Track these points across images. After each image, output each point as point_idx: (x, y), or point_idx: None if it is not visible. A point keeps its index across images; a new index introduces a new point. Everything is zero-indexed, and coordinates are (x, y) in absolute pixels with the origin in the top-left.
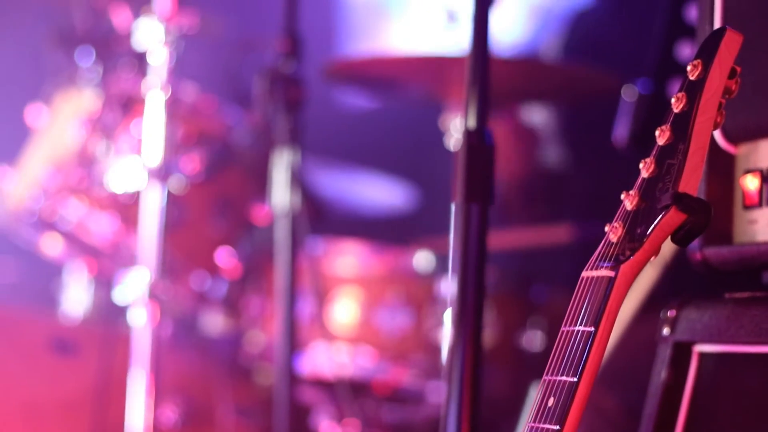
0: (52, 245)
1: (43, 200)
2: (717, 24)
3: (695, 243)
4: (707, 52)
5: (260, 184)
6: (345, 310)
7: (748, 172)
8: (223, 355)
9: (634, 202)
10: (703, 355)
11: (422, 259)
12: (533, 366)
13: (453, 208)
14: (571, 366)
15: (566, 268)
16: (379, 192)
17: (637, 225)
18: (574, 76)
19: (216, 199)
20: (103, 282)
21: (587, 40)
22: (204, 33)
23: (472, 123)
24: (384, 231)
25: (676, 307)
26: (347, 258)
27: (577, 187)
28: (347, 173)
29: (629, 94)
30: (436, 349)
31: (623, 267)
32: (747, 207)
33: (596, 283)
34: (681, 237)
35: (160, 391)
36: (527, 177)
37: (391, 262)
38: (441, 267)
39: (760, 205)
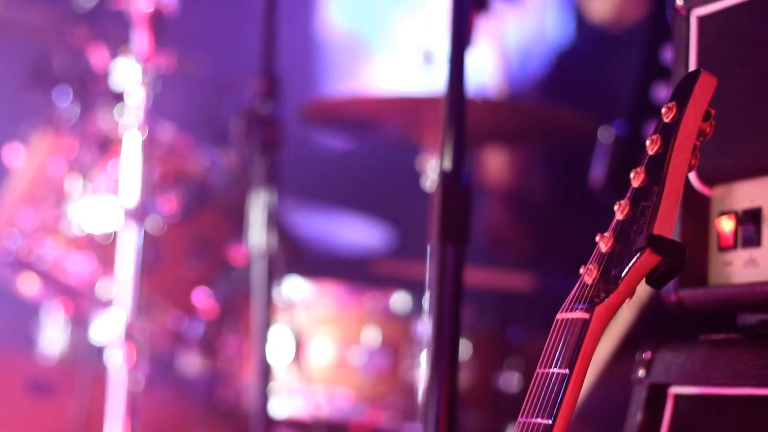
0: (28, 285)
1: (20, 240)
2: (692, 66)
3: (670, 284)
4: (682, 95)
5: (237, 225)
6: (321, 351)
7: (723, 214)
8: (199, 395)
9: (609, 244)
10: (678, 397)
11: (398, 300)
12: (510, 407)
13: (429, 249)
14: (546, 408)
15: (542, 309)
16: (356, 232)
17: (611, 267)
18: (550, 118)
19: (193, 240)
20: (80, 322)
21: (564, 81)
22: (181, 73)
23: (447, 164)
24: (360, 271)
25: (651, 349)
26: (324, 299)
27: (554, 228)
28: (324, 214)
29: (605, 135)
30: (412, 390)
31: (598, 309)
32: (722, 249)
33: (571, 325)
34: (656, 279)
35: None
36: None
37: (367, 303)
38: (417, 308)
39: (734, 247)
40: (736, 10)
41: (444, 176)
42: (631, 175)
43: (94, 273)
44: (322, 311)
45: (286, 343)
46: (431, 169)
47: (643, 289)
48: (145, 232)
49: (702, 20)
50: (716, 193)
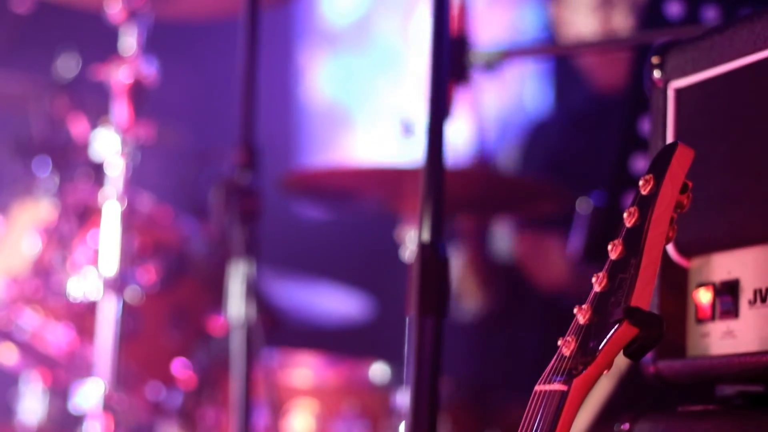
0: (7, 355)
1: None
2: (669, 139)
3: (648, 356)
4: (659, 167)
5: (216, 295)
6: (301, 422)
7: (700, 285)
8: None
9: (587, 316)
10: None
11: (378, 371)
12: None
13: (408, 320)
14: None
15: (524, 378)
16: (335, 303)
17: (589, 339)
18: (529, 189)
19: (172, 310)
20: (59, 392)
21: (543, 152)
22: (161, 144)
23: (426, 236)
24: (339, 342)
25: (630, 420)
26: (303, 370)
27: (532, 296)
28: (303, 284)
29: (584, 207)
30: None
31: (576, 381)
32: (700, 320)
33: (549, 397)
34: (634, 351)
35: None
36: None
37: (346, 374)
38: (396, 379)
39: (712, 318)
40: (713, 83)
41: (422, 248)
42: (609, 247)
43: (73, 343)
44: (301, 382)
45: (266, 415)
46: (410, 240)
47: (621, 360)
48: (124, 303)
49: (679, 92)
50: (694, 264)
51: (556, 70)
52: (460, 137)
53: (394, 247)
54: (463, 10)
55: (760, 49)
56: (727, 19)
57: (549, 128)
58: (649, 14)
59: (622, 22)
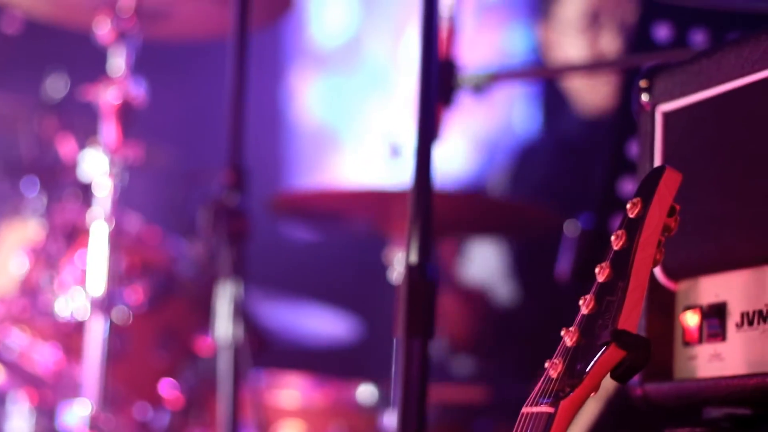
0: None
1: None
2: (657, 162)
3: (636, 378)
4: (647, 190)
5: (204, 316)
6: None
7: (688, 308)
8: None
9: (574, 339)
10: None
11: (365, 392)
12: None
13: (395, 342)
14: None
15: (509, 401)
16: (323, 324)
17: (576, 361)
18: (517, 211)
19: (159, 330)
20: (46, 412)
21: (531, 174)
22: (149, 164)
23: (414, 258)
24: (327, 364)
25: None
26: (290, 391)
27: (520, 322)
28: (291, 305)
29: (572, 229)
30: None
31: (563, 403)
32: (687, 343)
33: (536, 420)
34: (620, 373)
35: None
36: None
37: (334, 395)
38: (384, 400)
39: (700, 341)
40: (701, 106)
41: (410, 270)
42: (596, 270)
43: (60, 363)
44: (289, 403)
45: None
46: (398, 262)
47: (609, 383)
48: (112, 323)
49: (667, 116)
50: (681, 287)
51: (544, 92)
52: (449, 159)
53: (382, 268)
54: (451, 32)
55: (748, 73)
56: (715, 43)
57: (537, 151)
58: (638, 37)
59: (610, 44)
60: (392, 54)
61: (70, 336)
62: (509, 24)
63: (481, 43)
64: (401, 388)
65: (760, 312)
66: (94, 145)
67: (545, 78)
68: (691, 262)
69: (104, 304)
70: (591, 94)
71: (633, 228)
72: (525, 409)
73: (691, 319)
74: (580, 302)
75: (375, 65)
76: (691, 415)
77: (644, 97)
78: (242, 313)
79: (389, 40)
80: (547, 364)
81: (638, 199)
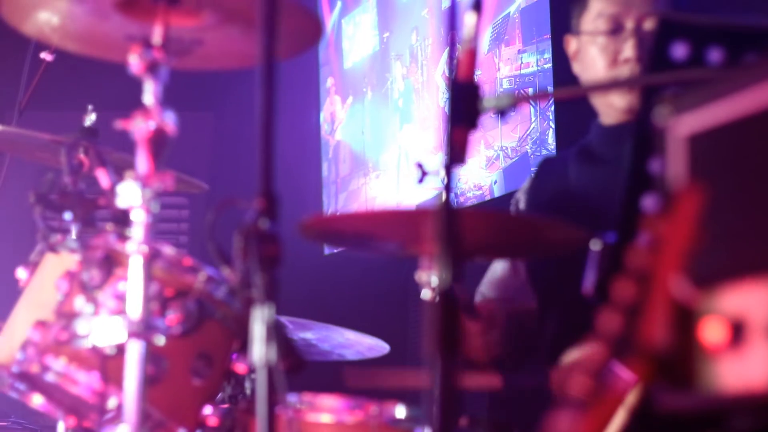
0: (33, 401)
1: (29, 356)
2: (679, 181)
3: (657, 390)
4: (669, 206)
5: (239, 340)
6: None
7: (709, 320)
8: None
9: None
10: None
11: (398, 412)
12: None
13: (425, 361)
14: None
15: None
16: (355, 345)
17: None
18: (544, 228)
19: (195, 355)
20: None
21: (554, 191)
22: (181, 192)
23: (443, 278)
24: (360, 384)
25: None
26: (324, 414)
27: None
28: (323, 327)
29: (596, 245)
30: None
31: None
32: (708, 355)
33: None
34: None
35: None
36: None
37: (368, 416)
38: (418, 420)
39: (722, 353)
40: (724, 127)
41: (440, 290)
42: (619, 285)
43: (99, 389)
44: (324, 424)
45: None
46: (428, 282)
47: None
48: (148, 348)
49: (688, 136)
50: (703, 299)
51: (566, 109)
52: (476, 178)
53: (415, 288)
54: (473, 56)
55: None
56: (732, 61)
57: (560, 167)
58: (655, 56)
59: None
60: (419, 78)
61: (108, 362)
62: (528, 46)
63: (502, 66)
64: (434, 408)
65: None
66: (129, 175)
67: (566, 98)
68: (713, 273)
69: (141, 330)
70: (611, 109)
71: (655, 243)
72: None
73: (713, 331)
74: (603, 318)
75: (402, 88)
76: (712, 427)
77: (666, 118)
78: (276, 336)
79: (416, 64)
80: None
81: (660, 215)
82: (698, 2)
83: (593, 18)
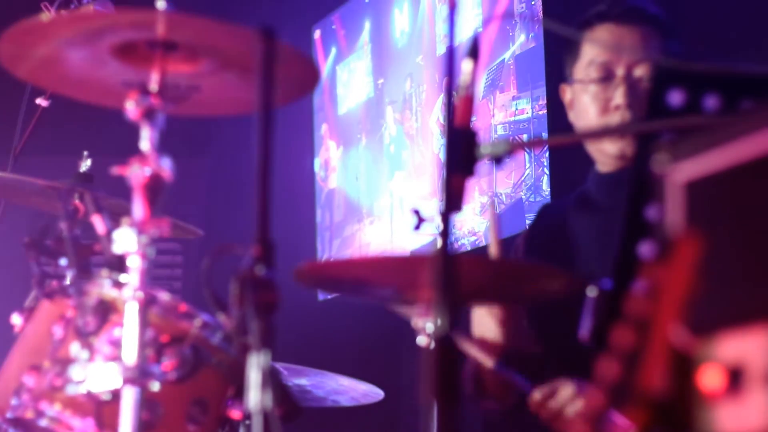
0: None
1: (21, 401)
2: (676, 228)
3: None
4: (667, 253)
5: (234, 386)
6: None
7: (707, 367)
8: None
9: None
10: None
11: None
12: None
13: (421, 409)
14: None
15: None
16: (350, 391)
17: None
18: (540, 274)
19: (191, 401)
20: None
21: (550, 237)
22: (177, 238)
23: (440, 325)
24: (357, 430)
25: None
26: None
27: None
28: (319, 373)
29: (592, 291)
30: None
31: None
32: (706, 402)
33: None
34: None
35: None
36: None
37: None
38: None
39: (720, 400)
40: (721, 174)
41: (435, 336)
42: (616, 332)
43: None
44: None
45: None
46: (425, 329)
47: None
48: (143, 394)
49: (686, 183)
50: (701, 346)
51: (560, 155)
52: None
53: (409, 335)
54: (470, 102)
55: None
56: (728, 108)
57: (559, 213)
58: (652, 102)
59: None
60: (415, 124)
61: (103, 408)
62: (522, 93)
63: (497, 112)
64: None
65: None
66: (124, 222)
67: (561, 145)
68: (711, 321)
69: (136, 376)
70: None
71: (653, 290)
72: None
73: (710, 377)
74: (601, 365)
75: (397, 135)
76: None
77: (663, 166)
78: (272, 382)
79: (413, 111)
80: None
81: (656, 262)
82: (689, 48)
83: (585, 66)
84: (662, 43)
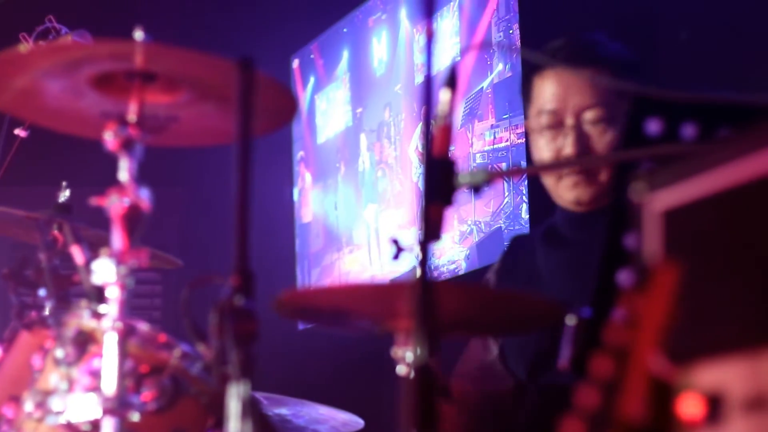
0: None
1: None
2: (653, 257)
3: None
4: (645, 282)
5: (214, 416)
6: None
7: (687, 395)
8: None
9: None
10: None
11: None
12: None
13: None
14: None
15: None
16: (329, 422)
17: None
18: (521, 302)
19: (170, 431)
20: None
21: (528, 266)
22: (156, 269)
23: (419, 356)
24: None
25: None
26: None
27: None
28: (298, 403)
29: (571, 320)
30: None
31: None
32: (685, 430)
33: None
34: None
35: None
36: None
37: None
38: None
39: (699, 429)
40: (699, 204)
41: (415, 366)
42: (595, 360)
43: None
44: None
45: None
46: (404, 360)
47: None
48: (123, 424)
49: (663, 213)
50: (680, 374)
51: (539, 183)
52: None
53: (389, 364)
54: (449, 132)
55: (746, 169)
56: (705, 136)
57: (530, 245)
58: (629, 131)
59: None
60: (393, 154)
61: None
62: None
63: (474, 142)
64: None
65: (760, 397)
66: (104, 251)
67: (539, 174)
68: (690, 349)
69: (115, 406)
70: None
71: (632, 319)
72: None
73: (690, 407)
74: (580, 393)
75: (374, 165)
76: None
77: (641, 195)
78: (251, 412)
79: (391, 141)
80: None
81: (635, 291)
82: (665, 77)
83: (536, 114)
84: (617, 79)
